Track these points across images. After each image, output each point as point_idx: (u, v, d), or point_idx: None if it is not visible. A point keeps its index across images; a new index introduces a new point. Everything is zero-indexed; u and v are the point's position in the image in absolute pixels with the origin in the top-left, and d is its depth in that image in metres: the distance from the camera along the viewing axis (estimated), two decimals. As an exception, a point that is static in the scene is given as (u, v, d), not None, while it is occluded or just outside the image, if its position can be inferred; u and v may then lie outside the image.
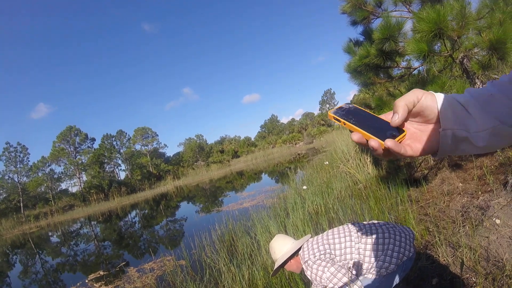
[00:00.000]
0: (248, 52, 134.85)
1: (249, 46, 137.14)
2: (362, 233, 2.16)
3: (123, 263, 7.68)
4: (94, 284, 6.41)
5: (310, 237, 2.39)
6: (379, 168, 7.15)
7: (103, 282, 6.40)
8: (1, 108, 76.78)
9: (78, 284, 6.77)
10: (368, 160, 7.54)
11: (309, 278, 2.12)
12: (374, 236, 2.10)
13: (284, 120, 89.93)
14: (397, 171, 6.11)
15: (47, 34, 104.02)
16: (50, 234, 20.96)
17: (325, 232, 2.34)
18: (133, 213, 21.86)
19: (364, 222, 2.31)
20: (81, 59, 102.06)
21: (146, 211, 21.28)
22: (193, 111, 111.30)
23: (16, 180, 36.24)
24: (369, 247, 2.06)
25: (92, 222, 22.07)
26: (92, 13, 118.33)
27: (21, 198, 35.29)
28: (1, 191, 36.62)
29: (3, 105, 77.76)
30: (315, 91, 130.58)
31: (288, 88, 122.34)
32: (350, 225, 2.30)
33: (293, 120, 72.42)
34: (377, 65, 4.89)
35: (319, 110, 67.16)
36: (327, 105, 66.31)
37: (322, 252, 2.12)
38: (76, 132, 42.60)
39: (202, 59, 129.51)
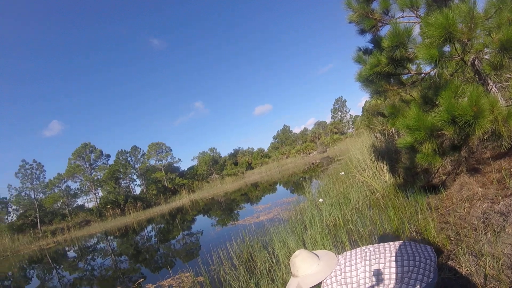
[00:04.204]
0: (257, 62, 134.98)
1: (257, 55, 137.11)
2: (379, 260, 2.09)
3: (141, 279, 7.66)
4: (113, 301, 6.41)
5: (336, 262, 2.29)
6: (396, 176, 7.05)
7: None
8: (15, 127, 78.56)
9: (96, 301, 6.77)
10: (384, 168, 7.44)
11: None
12: (393, 263, 2.04)
13: (297, 130, 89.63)
14: (414, 178, 6.01)
15: (58, 50, 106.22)
16: (67, 249, 21.14)
17: (342, 257, 2.27)
18: (149, 228, 21.92)
19: (381, 246, 2.24)
20: (92, 77, 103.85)
21: (162, 225, 21.33)
22: (205, 125, 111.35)
23: (33, 197, 36.73)
24: (387, 276, 2.00)
25: (109, 237, 22.21)
26: (101, 30, 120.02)
27: (37, 214, 35.70)
28: (18, 208, 37.30)
29: (17, 124, 79.44)
30: (326, 99, 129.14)
31: (299, 97, 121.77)
32: (367, 251, 2.23)
33: (305, 129, 72.36)
34: (388, 73, 4.86)
35: (331, 118, 66.87)
36: (339, 113, 65.95)
37: None
38: (91, 149, 43.27)
39: (211, 73, 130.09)
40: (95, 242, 21.55)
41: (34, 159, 38.46)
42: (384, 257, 2.09)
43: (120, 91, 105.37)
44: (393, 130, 9.20)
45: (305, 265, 2.24)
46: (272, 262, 4.88)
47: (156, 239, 15.50)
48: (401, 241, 2.23)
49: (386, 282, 1.99)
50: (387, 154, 8.05)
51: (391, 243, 2.24)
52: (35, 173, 37.35)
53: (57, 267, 14.42)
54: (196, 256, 8.24)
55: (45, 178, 38.47)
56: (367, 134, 12.41)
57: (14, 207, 38.17)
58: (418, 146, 3.98)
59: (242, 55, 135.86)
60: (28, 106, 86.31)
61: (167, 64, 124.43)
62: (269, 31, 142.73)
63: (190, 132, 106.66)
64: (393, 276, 1.98)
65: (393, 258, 2.05)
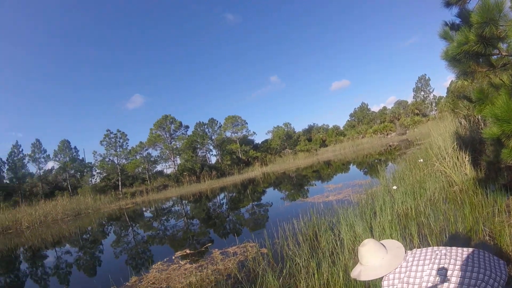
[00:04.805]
0: (335, 34, 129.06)
1: (335, 27, 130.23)
2: (448, 266, 1.96)
3: (209, 244, 8.00)
4: (180, 262, 6.73)
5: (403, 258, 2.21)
6: (477, 169, 6.55)
7: (188, 261, 6.69)
8: (101, 100, 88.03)
9: (165, 259, 7.17)
10: (466, 159, 6.93)
11: None
12: (461, 272, 1.90)
13: (375, 108, 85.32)
14: (497, 174, 5.55)
15: (139, 31, 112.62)
16: (144, 209, 22.70)
17: (411, 254, 2.18)
18: (222, 195, 22.79)
19: (453, 250, 2.09)
20: (172, 53, 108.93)
21: (234, 194, 22.04)
22: (281, 99, 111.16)
23: (116, 162, 40.50)
24: (452, 286, 1.87)
25: (183, 201, 23.47)
26: (178, 7, 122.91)
27: (119, 178, 39.61)
28: (102, 171, 41.73)
29: (103, 97, 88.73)
30: (408, 76, 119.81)
31: (379, 73, 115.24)
32: (438, 252, 2.12)
33: (384, 108, 69.17)
34: (477, 52, 4.45)
35: (413, 98, 62.98)
36: (422, 93, 61.87)
37: None
38: (171, 120, 46.06)
39: (288, 47, 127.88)
40: (171, 205, 22.94)
41: (118, 129, 42.45)
42: (454, 263, 1.97)
43: (199, 66, 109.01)
44: (480, 118, 8.45)
45: (370, 257, 2.21)
46: (336, 245, 4.84)
47: (226, 207, 16.18)
48: (474, 249, 2.08)
49: None
50: (470, 144, 7.46)
51: (464, 249, 2.10)
52: (119, 141, 41.04)
53: (133, 225, 15.71)
54: (263, 228, 8.39)
55: (128, 146, 42.21)
56: (451, 118, 11.49)
57: (98, 171, 42.89)
58: (505, 140, 3.65)
59: (318, 27, 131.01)
60: (113, 81, 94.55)
61: (242, 39, 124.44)
62: (346, 2, 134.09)
63: (266, 106, 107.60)
64: (458, 287, 1.88)
65: (463, 267, 1.93)
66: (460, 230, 4.34)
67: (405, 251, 2.24)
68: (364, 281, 2.69)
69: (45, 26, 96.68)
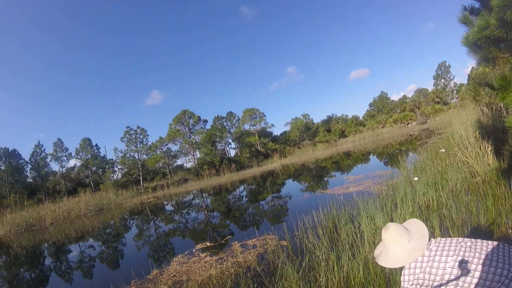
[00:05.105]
0: (353, 23, 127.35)
1: (354, 15, 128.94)
2: (472, 259, 1.90)
3: (229, 236, 8.08)
4: (201, 254, 6.82)
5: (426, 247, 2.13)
6: (500, 159, 6.38)
7: (208, 253, 6.78)
8: (121, 97, 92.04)
9: (186, 252, 7.28)
10: (489, 148, 6.75)
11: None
12: (485, 267, 1.84)
13: (395, 97, 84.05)
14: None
15: (155, 27, 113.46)
16: (165, 203, 23.07)
17: (435, 244, 2.12)
18: (241, 188, 22.90)
19: (478, 243, 2.00)
20: (189, 49, 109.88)
21: (253, 186, 22.09)
22: (299, 90, 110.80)
23: (137, 158, 41.39)
24: (475, 280, 1.82)
25: (204, 194, 23.71)
26: (194, 4, 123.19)
27: (140, 173, 40.55)
28: (123, 167, 42.78)
29: (124, 95, 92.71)
30: (428, 63, 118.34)
31: (398, 59, 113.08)
32: (463, 244, 2.04)
33: (404, 97, 67.97)
34: (498, 37, 4.30)
35: (434, 86, 61.68)
36: (442, 80, 60.47)
37: (420, 283, 2.01)
38: (190, 115, 46.62)
39: (304, 37, 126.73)
40: (191, 198, 23.21)
41: (138, 125, 42.93)
42: (478, 257, 1.90)
43: (215, 61, 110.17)
44: (502, 105, 8.17)
45: (390, 242, 2.19)
46: (356, 237, 4.82)
47: (246, 199, 16.24)
48: (499, 243, 2.01)
49: (472, 286, 1.86)
50: (493, 133, 7.25)
51: (489, 242, 2.03)
52: (139, 137, 41.84)
53: (155, 218, 16.00)
54: (282, 220, 8.40)
55: (148, 141, 42.99)
56: (472, 106, 11.14)
57: (119, 166, 44.11)
58: (529, 129, 3.54)
59: (335, 15, 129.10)
60: (131, 78, 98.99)
61: (258, 31, 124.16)
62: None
63: (284, 97, 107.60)
64: (481, 282, 1.82)
65: (487, 262, 1.87)
66: (482, 223, 4.26)
67: (429, 239, 2.19)
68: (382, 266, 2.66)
69: (61, 23, 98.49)
